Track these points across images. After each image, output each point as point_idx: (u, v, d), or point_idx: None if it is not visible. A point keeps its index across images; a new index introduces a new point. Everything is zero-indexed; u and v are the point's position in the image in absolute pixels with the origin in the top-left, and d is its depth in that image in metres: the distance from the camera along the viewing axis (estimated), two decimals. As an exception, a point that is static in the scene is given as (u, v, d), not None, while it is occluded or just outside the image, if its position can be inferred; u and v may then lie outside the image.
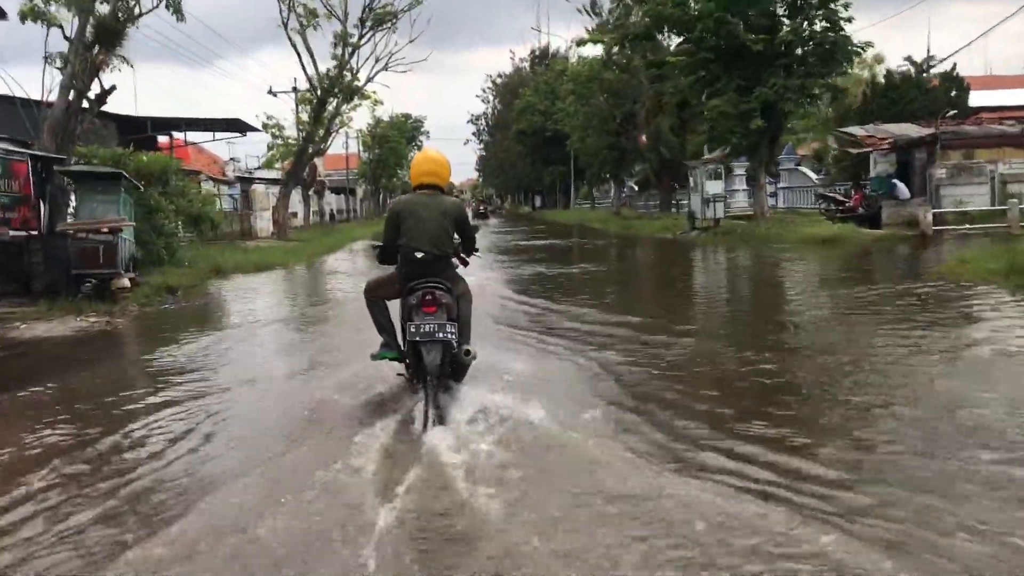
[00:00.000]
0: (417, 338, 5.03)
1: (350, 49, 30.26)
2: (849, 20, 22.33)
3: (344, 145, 54.40)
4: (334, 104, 31.51)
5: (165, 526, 3.56)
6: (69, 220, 13.12)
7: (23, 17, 14.03)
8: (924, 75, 33.11)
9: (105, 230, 12.28)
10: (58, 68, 14.20)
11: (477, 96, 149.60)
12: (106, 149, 16.59)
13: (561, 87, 52.38)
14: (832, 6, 22.27)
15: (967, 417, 4.71)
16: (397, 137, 59.23)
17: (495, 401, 5.19)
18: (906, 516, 3.37)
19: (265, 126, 35.57)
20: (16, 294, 11.99)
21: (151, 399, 6.11)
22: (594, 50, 38.46)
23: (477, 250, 5.95)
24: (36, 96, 14.90)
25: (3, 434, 5.18)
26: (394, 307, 5.59)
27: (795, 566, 2.98)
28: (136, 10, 14.71)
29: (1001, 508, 3.44)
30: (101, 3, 14.29)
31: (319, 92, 29.97)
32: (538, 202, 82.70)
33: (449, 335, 5.05)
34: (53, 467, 4.42)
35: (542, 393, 5.46)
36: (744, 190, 35.35)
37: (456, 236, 5.61)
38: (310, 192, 39.18)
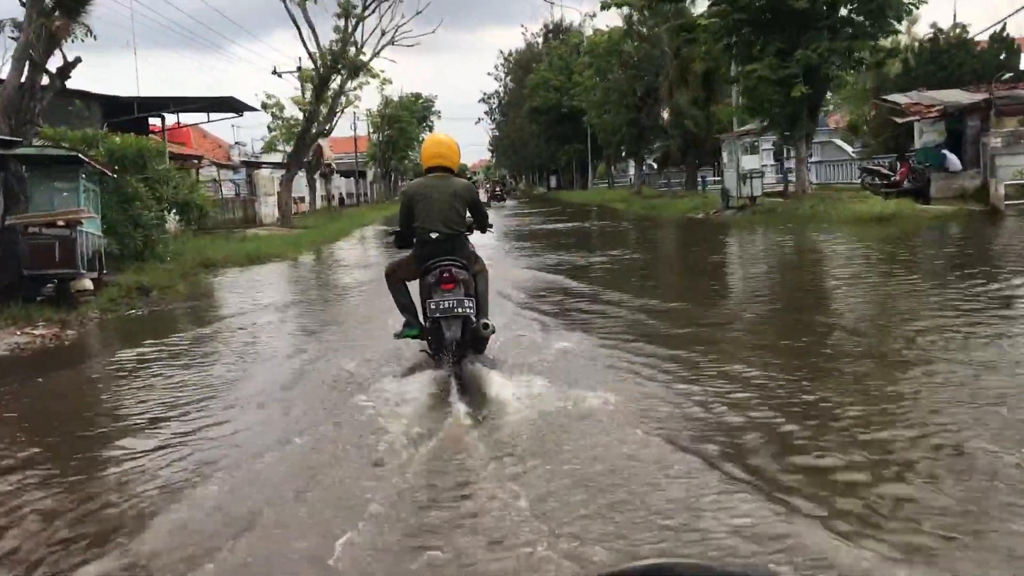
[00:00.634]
0: (438, 314, 5.25)
1: (354, 21, 28.28)
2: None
3: (352, 126, 52.44)
4: (338, 82, 29.60)
5: None
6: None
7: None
8: (968, 37, 30.67)
9: (61, 223, 10.51)
10: (11, 37, 12.44)
11: (489, 74, 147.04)
12: (77, 131, 14.81)
13: (577, 61, 50.16)
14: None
15: None
16: (407, 117, 57.23)
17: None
18: None
19: (264, 105, 33.66)
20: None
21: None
22: (613, 19, 36.26)
23: (491, 226, 6.14)
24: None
25: None
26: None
27: None
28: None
29: None
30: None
31: (321, 69, 28.01)
32: (553, 182, 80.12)
33: (468, 310, 5.28)
34: None
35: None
36: (772, 165, 33.26)
37: (469, 216, 5.77)
38: (316, 176, 37.26)
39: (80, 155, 11.43)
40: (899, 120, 25.74)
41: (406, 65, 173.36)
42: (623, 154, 48.22)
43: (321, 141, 35.22)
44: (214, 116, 24.52)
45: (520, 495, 3.45)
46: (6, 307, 9.53)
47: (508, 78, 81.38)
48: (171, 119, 24.86)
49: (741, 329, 7.35)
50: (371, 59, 30.59)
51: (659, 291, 10.52)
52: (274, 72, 35.78)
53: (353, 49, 29.09)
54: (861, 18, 20.71)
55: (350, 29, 28.17)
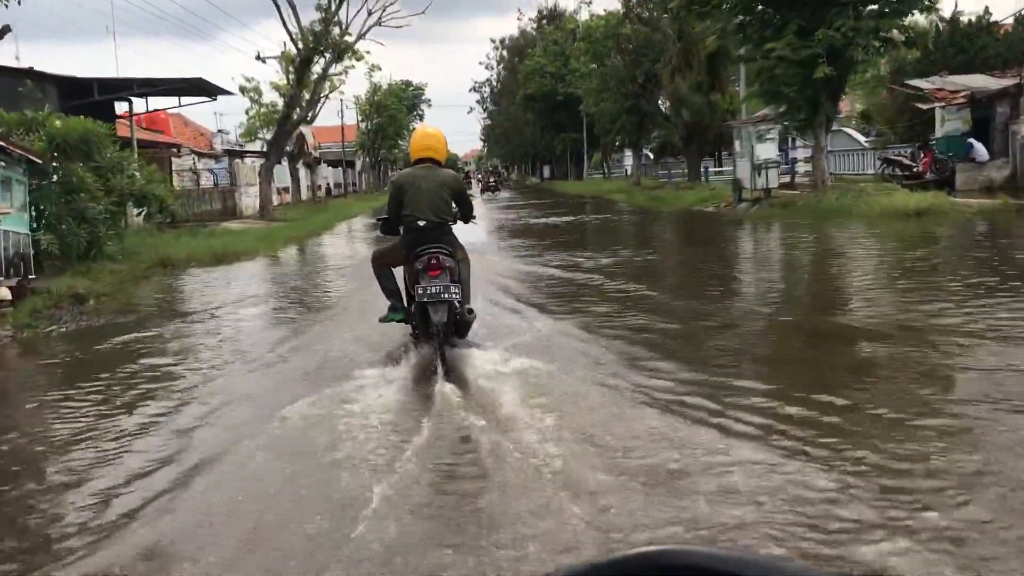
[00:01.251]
0: (425, 299, 5.45)
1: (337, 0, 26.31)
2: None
3: (339, 114, 50.37)
4: (321, 64, 27.65)
5: None
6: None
7: None
8: (990, 20, 29.00)
9: (-33, 222, 8.73)
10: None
11: (481, 63, 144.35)
12: (13, 113, 12.95)
13: (572, 47, 48.24)
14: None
15: None
16: (397, 105, 55.12)
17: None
18: None
19: (243, 89, 31.61)
20: None
21: None
22: (610, 2, 34.48)
23: (475, 217, 6.44)
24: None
25: None
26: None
27: None
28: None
29: None
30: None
31: (302, 50, 26.05)
32: (547, 172, 78.13)
33: (454, 295, 5.49)
34: None
35: None
36: (777, 155, 31.47)
37: (454, 205, 6.04)
38: (298, 165, 35.28)
39: (-4, 139, 9.61)
40: (923, 107, 24.14)
41: (396, 53, 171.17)
42: (621, 143, 46.36)
43: (304, 128, 33.25)
44: (186, 100, 22.56)
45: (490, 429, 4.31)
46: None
47: (500, 67, 79.41)
48: (141, 106, 22.95)
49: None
50: (356, 40, 28.60)
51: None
52: (257, 57, 33.75)
53: (337, 29, 27.15)
54: (889, -7, 18.97)
55: (333, 7, 26.21)
